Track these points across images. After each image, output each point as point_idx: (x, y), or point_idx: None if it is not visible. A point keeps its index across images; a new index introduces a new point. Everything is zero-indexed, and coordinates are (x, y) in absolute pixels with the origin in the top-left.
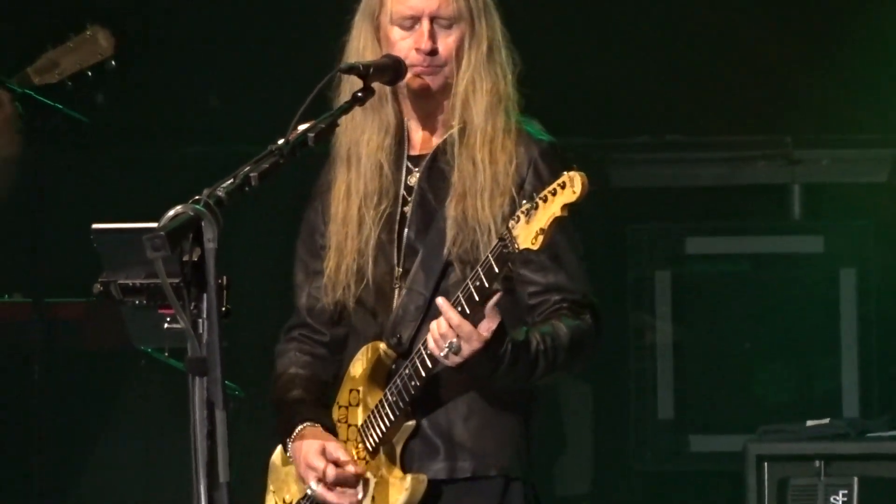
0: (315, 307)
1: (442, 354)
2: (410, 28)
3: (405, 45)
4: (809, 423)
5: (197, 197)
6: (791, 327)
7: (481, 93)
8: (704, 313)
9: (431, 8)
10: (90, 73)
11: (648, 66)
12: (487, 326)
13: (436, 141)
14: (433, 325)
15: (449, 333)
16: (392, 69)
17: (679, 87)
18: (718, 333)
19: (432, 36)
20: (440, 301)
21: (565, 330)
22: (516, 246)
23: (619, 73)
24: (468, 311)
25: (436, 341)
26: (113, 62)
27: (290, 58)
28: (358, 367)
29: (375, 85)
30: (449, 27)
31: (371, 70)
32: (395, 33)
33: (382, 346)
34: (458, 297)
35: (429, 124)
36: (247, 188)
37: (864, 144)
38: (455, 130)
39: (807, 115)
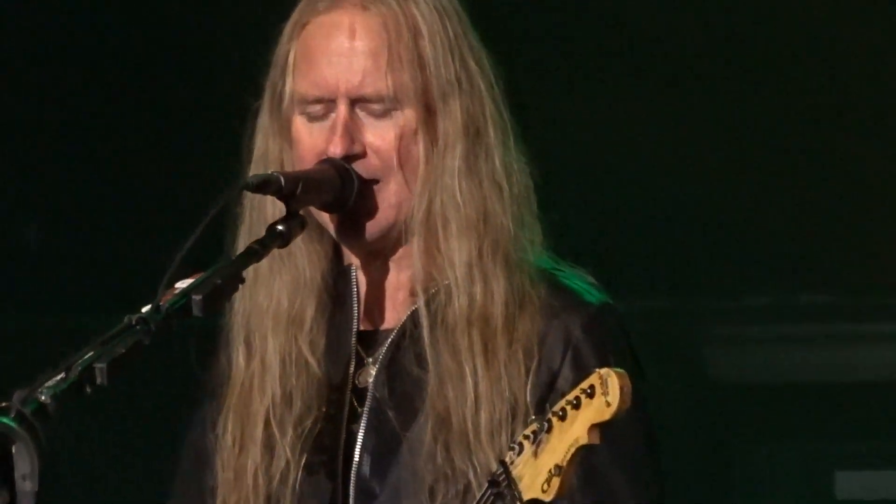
0: None
1: None
2: (321, 117)
3: (308, 144)
4: None
5: (4, 404)
6: None
7: (457, 228)
8: None
9: (351, 83)
10: None
11: (779, 188)
12: None
13: (401, 308)
14: None
15: None
16: (335, 183)
17: (827, 219)
18: None
19: (349, 130)
20: None
21: None
22: (518, 496)
23: (725, 197)
24: None
25: None
26: None
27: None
28: None
29: (309, 212)
30: (384, 114)
31: (299, 186)
32: (298, 125)
33: None
34: None
35: (388, 279)
36: (88, 387)
37: None
38: (424, 297)
39: None
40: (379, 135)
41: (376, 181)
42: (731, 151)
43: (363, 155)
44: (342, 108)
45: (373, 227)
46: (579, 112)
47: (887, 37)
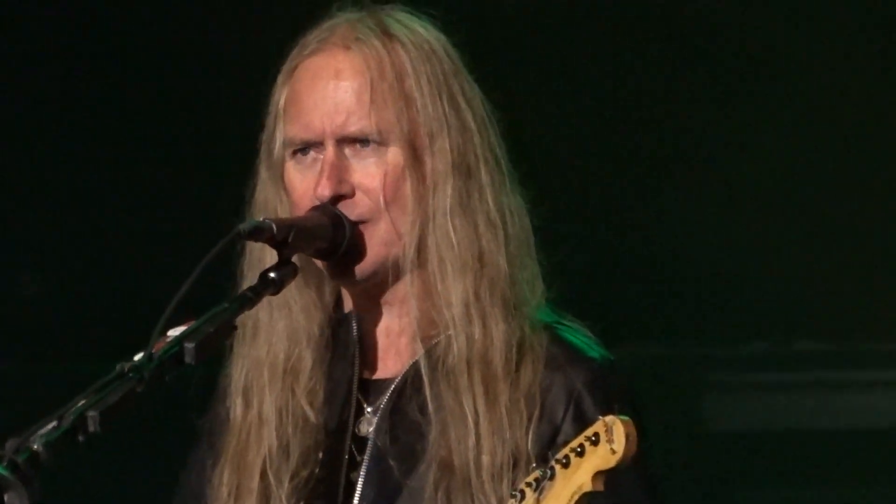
0: None
1: None
2: (311, 160)
3: (301, 190)
4: None
5: None
6: None
7: (453, 268)
8: None
9: (335, 123)
10: None
11: (775, 237)
12: None
13: (403, 355)
14: None
15: None
16: (327, 231)
17: (819, 267)
18: None
19: (336, 170)
20: None
21: None
22: None
23: (726, 233)
24: None
25: None
26: None
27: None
28: None
29: (300, 259)
30: (371, 153)
31: (291, 233)
32: (289, 170)
33: None
34: None
35: (389, 325)
36: (81, 436)
37: None
38: (425, 346)
39: None
40: (367, 174)
41: (366, 221)
42: (727, 199)
43: (351, 195)
44: (329, 149)
45: (363, 267)
46: (577, 160)
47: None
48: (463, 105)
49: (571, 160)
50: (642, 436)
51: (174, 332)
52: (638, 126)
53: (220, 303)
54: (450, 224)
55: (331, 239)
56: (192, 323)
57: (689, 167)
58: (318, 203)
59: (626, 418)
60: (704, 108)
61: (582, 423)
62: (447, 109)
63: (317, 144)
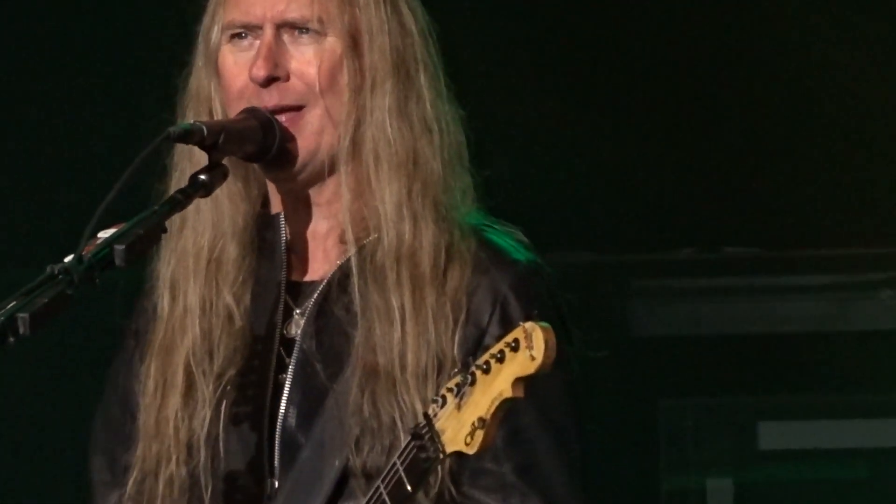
0: None
1: None
2: (247, 45)
3: (234, 72)
4: None
5: None
6: None
7: (388, 166)
8: None
9: (276, 8)
10: None
11: (701, 141)
12: None
13: (331, 257)
14: None
15: None
16: (257, 134)
17: (748, 176)
18: None
19: (272, 52)
20: None
21: None
22: (441, 448)
23: (647, 151)
24: None
25: None
26: None
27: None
28: None
29: (230, 161)
30: (310, 40)
31: (221, 137)
32: (224, 54)
33: None
34: None
35: (317, 227)
36: (11, 337)
37: None
38: (356, 246)
39: None
40: (304, 60)
41: (299, 107)
42: (652, 109)
43: (286, 79)
44: (268, 32)
45: (296, 158)
46: (504, 70)
47: None
48: (405, 11)
49: (499, 70)
50: (566, 339)
51: (104, 235)
52: (570, 34)
53: (149, 206)
54: (387, 122)
55: (260, 143)
56: (122, 225)
57: (616, 76)
58: (252, 82)
59: (545, 325)
60: (615, 28)
61: (508, 325)
62: (389, 12)
63: (255, 29)
